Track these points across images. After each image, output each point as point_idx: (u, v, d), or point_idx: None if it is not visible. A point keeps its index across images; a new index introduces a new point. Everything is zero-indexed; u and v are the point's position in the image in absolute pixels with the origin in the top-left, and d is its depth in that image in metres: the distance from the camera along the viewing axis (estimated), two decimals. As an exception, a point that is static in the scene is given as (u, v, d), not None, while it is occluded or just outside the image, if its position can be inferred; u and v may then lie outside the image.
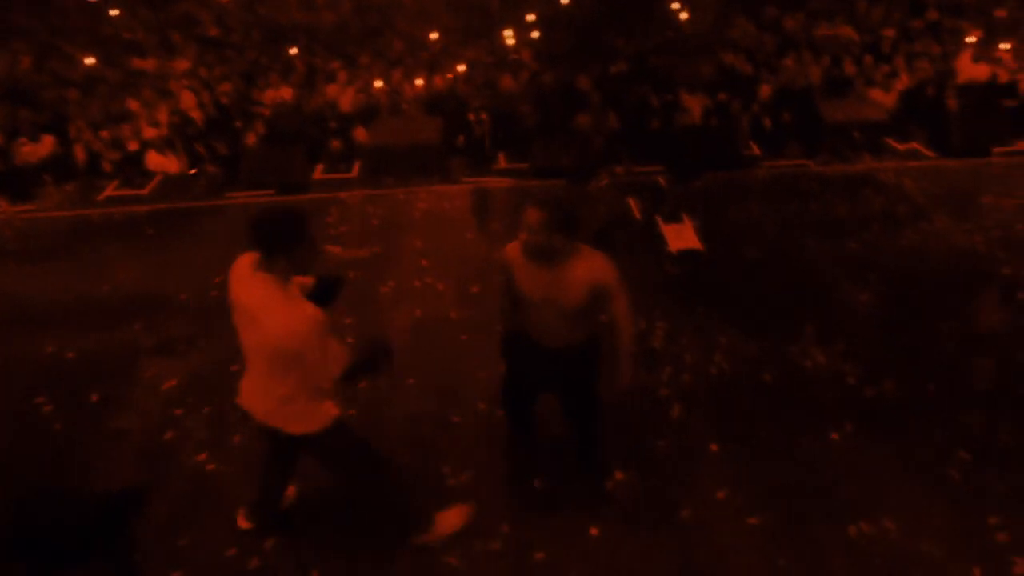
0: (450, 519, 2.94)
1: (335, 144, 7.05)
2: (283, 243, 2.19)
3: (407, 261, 4.86)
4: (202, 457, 3.40)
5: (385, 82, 7.75)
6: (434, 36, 8.77)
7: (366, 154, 6.84)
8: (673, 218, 5.04)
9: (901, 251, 4.87)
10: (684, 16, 9.66)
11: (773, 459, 3.31)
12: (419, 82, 7.70)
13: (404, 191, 5.93)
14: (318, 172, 6.76)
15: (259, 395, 2.44)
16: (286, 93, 7.98)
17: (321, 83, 8.13)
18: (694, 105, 6.83)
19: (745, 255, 4.82)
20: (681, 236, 4.85)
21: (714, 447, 3.39)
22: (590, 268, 2.55)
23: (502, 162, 6.67)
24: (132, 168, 6.82)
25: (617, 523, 3.04)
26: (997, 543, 2.91)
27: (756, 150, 6.28)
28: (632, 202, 5.33)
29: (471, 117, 6.91)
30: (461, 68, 7.76)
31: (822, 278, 4.58)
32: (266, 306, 2.18)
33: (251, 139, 7.11)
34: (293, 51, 8.72)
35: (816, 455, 3.33)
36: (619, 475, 3.23)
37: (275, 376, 2.32)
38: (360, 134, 7.00)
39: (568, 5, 9.91)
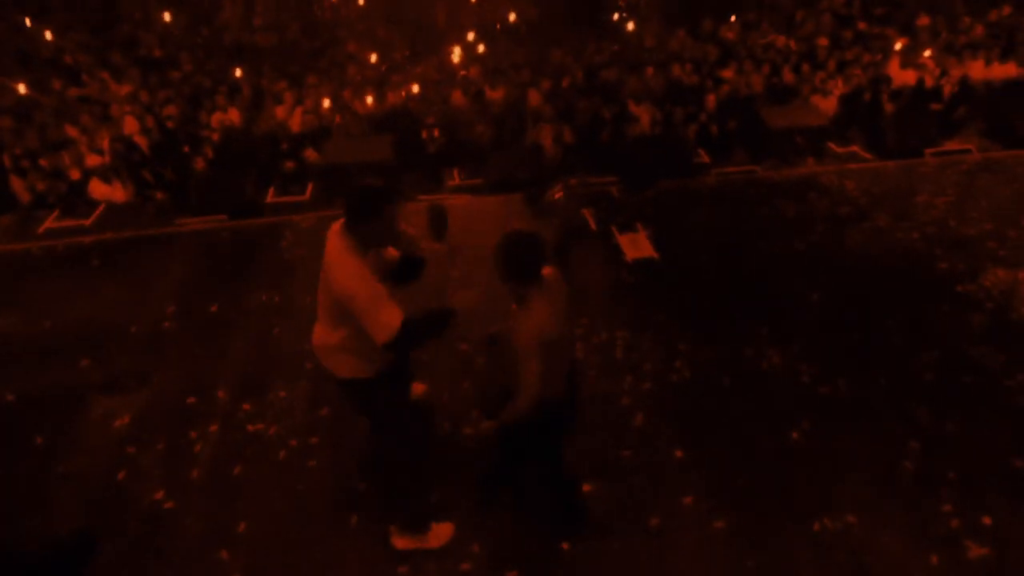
0: (441, 533, 3.00)
1: (287, 166, 6.94)
2: (363, 215, 2.46)
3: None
4: (159, 495, 3.28)
5: (334, 101, 7.69)
6: (374, 57, 8.72)
7: (318, 175, 6.75)
8: (628, 228, 5.13)
9: (846, 250, 5.06)
10: (629, 29, 9.91)
11: (736, 462, 3.38)
12: (369, 100, 7.67)
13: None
14: (270, 195, 6.64)
15: (321, 340, 2.71)
16: (234, 116, 7.83)
17: (269, 104, 8.00)
18: (643, 115, 6.99)
19: (699, 261, 4.93)
20: (636, 245, 4.93)
21: (679, 453, 3.44)
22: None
23: (456, 178, 6.67)
24: (74, 198, 6.57)
25: (588, 535, 3.05)
26: (951, 529, 3.03)
27: (705, 158, 6.45)
28: (587, 213, 5.40)
29: (423, 134, 6.91)
30: (415, 87, 7.76)
31: (773, 280, 4.72)
32: (335, 262, 2.50)
33: (199, 164, 6.93)
34: (238, 73, 8.56)
35: (777, 455, 3.42)
36: (587, 487, 3.25)
37: (332, 324, 2.63)
38: (310, 155, 6.91)
39: (514, 22, 10.06)
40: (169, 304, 4.75)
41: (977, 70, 8.25)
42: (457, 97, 7.61)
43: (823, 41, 9.32)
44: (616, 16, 10.42)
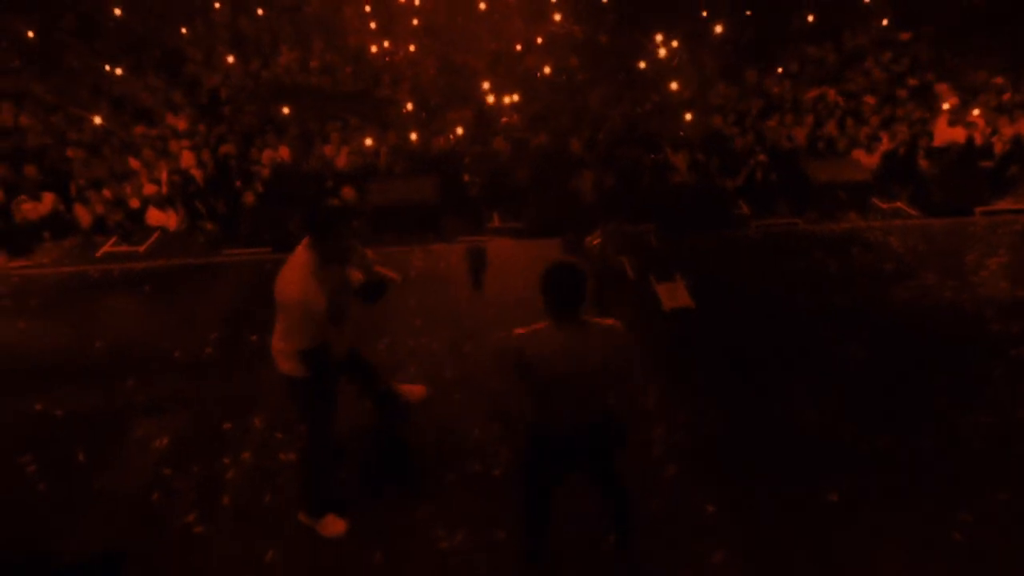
0: (332, 526, 3.23)
1: (332, 203, 7.16)
2: (319, 231, 2.84)
3: (400, 319, 4.89)
4: (190, 519, 3.33)
5: (378, 142, 7.96)
6: (409, 104, 8.96)
7: (364, 213, 6.96)
8: (665, 277, 5.12)
9: (890, 307, 4.93)
10: (670, 82, 10.06)
11: (770, 520, 3.27)
12: (413, 137, 7.90)
13: (401, 250, 6.00)
14: (296, 223, 6.81)
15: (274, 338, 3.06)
16: (284, 153, 8.18)
17: (318, 143, 8.34)
18: (681, 164, 7.04)
19: (737, 312, 4.87)
20: (673, 295, 4.90)
21: (710, 508, 3.34)
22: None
23: (496, 221, 6.79)
24: (132, 224, 6.91)
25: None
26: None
27: (745, 209, 6.43)
28: (625, 260, 5.42)
29: (465, 178, 7.08)
30: (460, 130, 8.01)
31: (813, 335, 4.61)
32: (287, 268, 2.87)
33: (250, 198, 7.23)
34: (286, 111, 8.94)
35: (813, 516, 3.29)
36: (612, 538, 3.17)
37: (279, 322, 2.99)
38: (347, 193, 7.14)
39: (552, 69, 10.32)
40: (213, 331, 4.89)
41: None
42: (499, 143, 7.81)
43: (870, 99, 9.29)
44: (651, 64, 10.59)
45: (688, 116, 8.14)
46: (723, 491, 3.42)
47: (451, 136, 8.17)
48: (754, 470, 3.56)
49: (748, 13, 13.25)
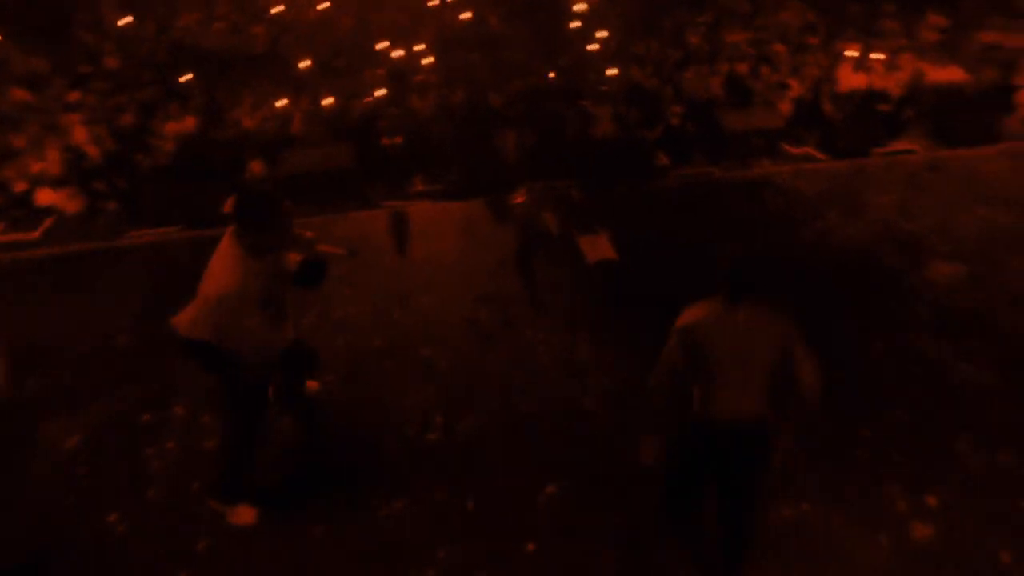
0: (243, 514, 3.15)
1: (247, 173, 6.83)
2: (253, 222, 2.64)
3: (329, 289, 4.76)
4: (112, 518, 3.20)
5: (292, 107, 7.59)
6: (305, 62, 8.53)
7: (279, 183, 6.66)
8: (588, 231, 5.18)
9: (800, 248, 5.19)
10: (591, 35, 9.99)
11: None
12: (327, 102, 7.57)
13: (321, 219, 5.80)
14: (228, 206, 6.51)
15: (191, 312, 2.82)
16: (189, 123, 7.68)
17: (226, 111, 7.87)
18: (604, 118, 7.05)
19: (659, 261, 5.01)
20: (597, 248, 4.98)
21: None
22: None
23: (419, 184, 6.65)
24: (21, 210, 6.36)
25: (553, 536, 3.08)
26: (899, 512, 3.16)
27: (665, 160, 6.55)
28: (549, 217, 5.45)
29: (384, 141, 6.87)
30: (377, 92, 7.71)
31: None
32: (218, 256, 2.71)
33: (154, 174, 6.79)
34: (187, 78, 8.34)
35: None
36: (550, 488, 3.28)
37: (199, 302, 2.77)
38: (256, 166, 6.83)
39: (469, 23, 10.04)
40: (123, 319, 4.63)
41: (926, 73, 8.56)
42: (415, 102, 7.59)
43: (780, 47, 9.55)
44: (578, 23, 10.50)
45: (610, 70, 8.13)
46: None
47: (368, 98, 7.85)
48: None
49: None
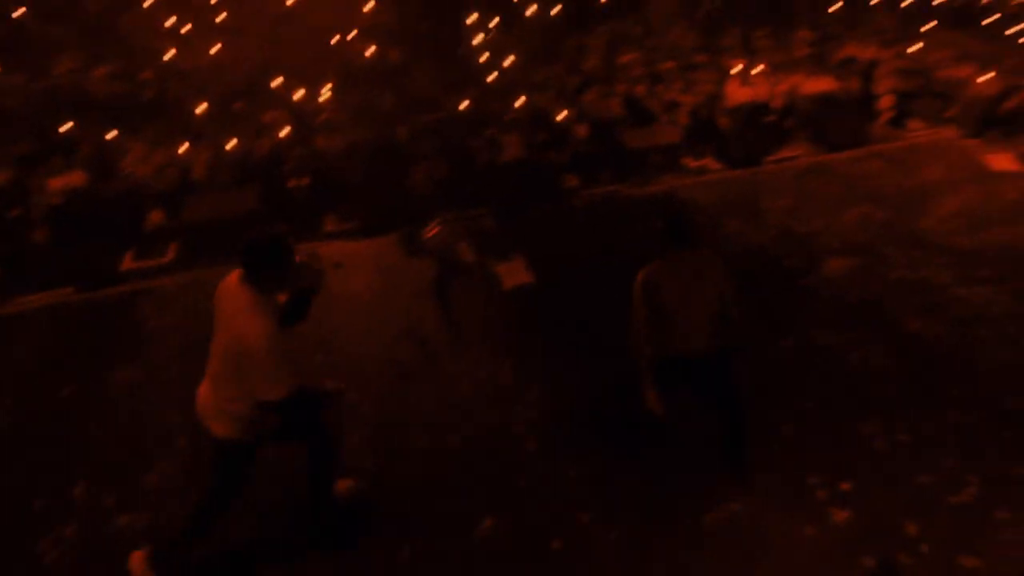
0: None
1: (144, 227, 6.49)
2: (267, 263, 2.62)
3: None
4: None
5: (191, 153, 7.31)
6: (201, 106, 8.30)
7: (181, 235, 6.37)
8: (503, 256, 5.24)
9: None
10: (494, 63, 10.21)
11: (624, 473, 3.52)
12: (229, 146, 7.34)
13: (227, 269, 5.58)
14: (127, 261, 6.16)
15: (210, 396, 2.77)
16: (77, 177, 7.23)
17: (116, 161, 7.48)
18: (511, 145, 7.19)
19: (573, 281, 5.12)
20: (512, 273, 5.04)
21: (571, 473, 3.52)
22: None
23: (329, 224, 6.53)
24: None
25: (491, 563, 3.05)
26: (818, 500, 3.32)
27: (574, 181, 6.74)
28: (464, 247, 5.47)
29: (291, 182, 6.72)
30: (282, 132, 7.54)
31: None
32: (240, 311, 2.59)
33: (40, 234, 6.33)
34: (67, 127, 7.84)
35: (660, 460, 3.59)
36: (488, 521, 3.25)
37: (227, 378, 2.68)
38: (156, 216, 6.53)
39: (371, 59, 10.06)
40: (7, 395, 4.26)
41: (801, 85, 9.29)
42: (321, 141, 7.49)
43: (670, 65, 10.13)
44: (484, 55, 10.71)
45: (516, 97, 8.31)
46: (580, 456, 3.61)
47: (270, 140, 7.67)
48: (606, 432, 3.79)
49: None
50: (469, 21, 11.54)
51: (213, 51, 10.20)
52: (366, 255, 5.65)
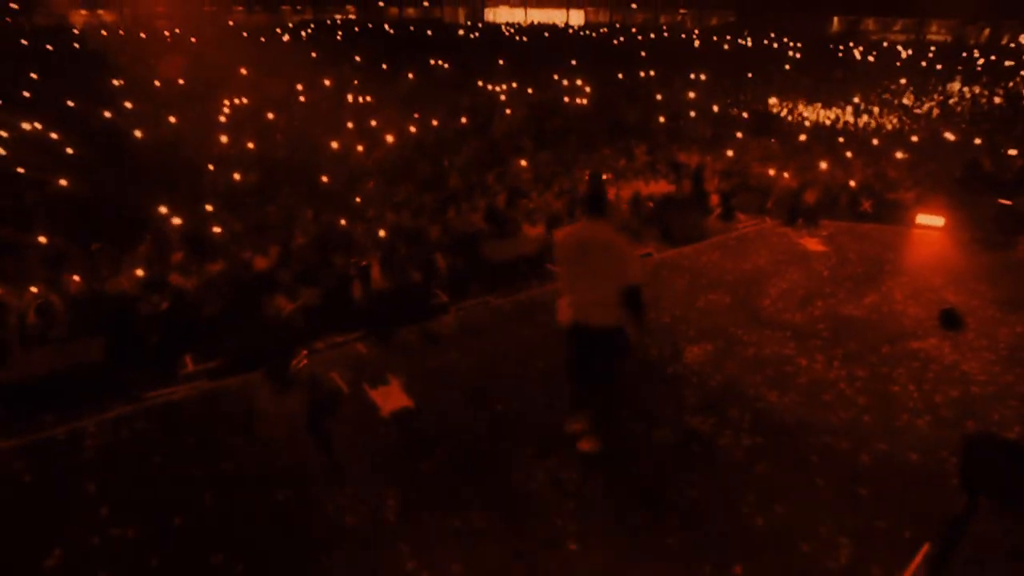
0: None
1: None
2: (604, 204, 3.98)
3: (79, 523, 3.95)
4: None
5: (18, 300, 6.60)
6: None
7: (5, 394, 5.58)
8: (379, 381, 5.10)
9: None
10: (356, 187, 10.44)
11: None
12: (73, 287, 6.73)
13: (66, 429, 4.92)
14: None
15: (598, 305, 3.95)
16: None
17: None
18: (375, 265, 7.22)
19: (451, 398, 5.05)
20: (389, 397, 4.90)
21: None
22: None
23: (189, 365, 6.05)
24: None
25: None
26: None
27: (444, 297, 6.82)
28: (336, 376, 5.27)
29: (140, 326, 6.22)
30: (139, 273, 7.06)
31: (520, 402, 5.00)
32: (612, 240, 3.91)
33: None
34: None
35: (547, 545, 3.49)
36: None
37: (610, 287, 3.88)
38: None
39: (239, 182, 9.95)
40: None
41: (643, 189, 10.36)
42: (176, 279, 7.09)
43: (525, 175, 10.94)
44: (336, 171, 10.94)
45: (380, 217, 8.48)
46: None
47: (117, 282, 7.14)
48: (504, 551, 3.64)
49: (416, 115, 14.76)
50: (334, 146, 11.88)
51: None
52: (232, 395, 5.24)
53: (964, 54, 27.77)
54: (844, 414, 4.88)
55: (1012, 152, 11.40)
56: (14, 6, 29.90)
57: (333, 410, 4.84)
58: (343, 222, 8.52)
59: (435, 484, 4.18)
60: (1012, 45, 29.83)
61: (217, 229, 8.28)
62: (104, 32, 28.48)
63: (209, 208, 9.16)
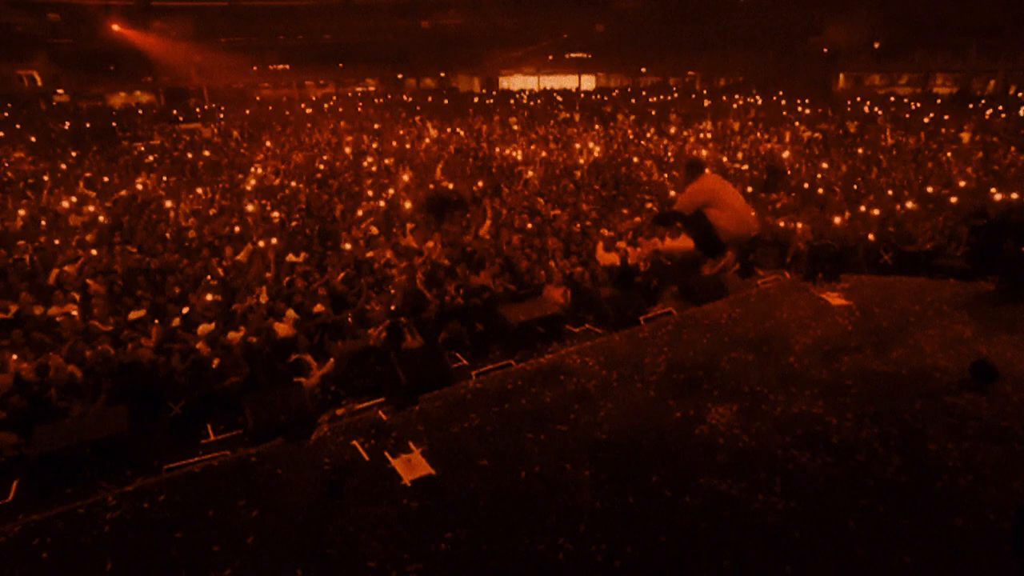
0: None
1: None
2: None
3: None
4: None
5: (36, 370, 6.65)
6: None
7: (27, 468, 5.59)
8: (401, 449, 5.05)
9: (599, 422, 5.54)
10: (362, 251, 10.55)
11: None
12: (92, 353, 6.79)
13: (84, 504, 4.90)
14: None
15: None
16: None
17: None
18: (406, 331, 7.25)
19: (475, 466, 4.97)
20: (412, 466, 4.83)
21: None
22: None
23: (211, 434, 6.06)
24: None
25: None
26: None
27: (463, 360, 6.80)
28: (357, 444, 5.23)
29: (164, 394, 6.26)
30: (148, 343, 7.16)
31: (546, 468, 4.91)
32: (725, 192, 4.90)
33: None
34: None
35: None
36: None
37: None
38: (9, 438, 5.75)
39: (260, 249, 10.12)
40: None
41: (661, 245, 10.34)
42: (202, 348, 7.17)
43: (552, 242, 10.99)
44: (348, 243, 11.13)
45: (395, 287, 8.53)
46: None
47: (140, 350, 7.24)
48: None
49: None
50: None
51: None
52: (252, 468, 5.20)
53: (971, 104, 28.09)
54: (879, 475, 4.70)
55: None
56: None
57: (354, 480, 4.78)
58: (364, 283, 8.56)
59: (458, 557, 4.06)
60: (1020, 94, 30.13)
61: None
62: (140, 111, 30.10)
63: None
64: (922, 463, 4.81)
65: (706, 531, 4.21)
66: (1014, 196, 11.86)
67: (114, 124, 26.43)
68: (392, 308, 7.47)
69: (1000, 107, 26.20)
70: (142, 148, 21.93)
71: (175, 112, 29.59)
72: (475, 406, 5.88)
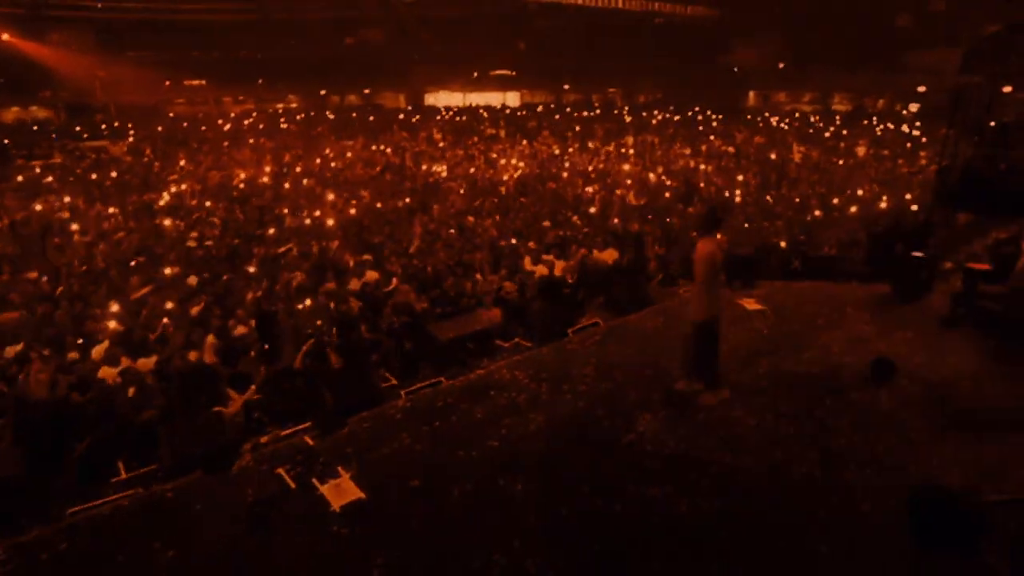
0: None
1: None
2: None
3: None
4: None
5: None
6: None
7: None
8: (329, 475, 4.89)
9: (532, 434, 5.56)
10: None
11: None
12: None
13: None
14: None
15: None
16: None
17: None
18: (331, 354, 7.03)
19: (405, 487, 4.88)
20: (341, 491, 4.69)
21: None
22: None
23: (122, 472, 5.67)
24: None
25: None
26: None
27: (393, 380, 6.69)
28: (283, 471, 5.02)
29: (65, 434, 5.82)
30: (42, 376, 6.62)
31: (475, 484, 4.88)
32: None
33: None
34: None
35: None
36: None
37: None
38: None
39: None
40: None
41: (589, 256, 10.55)
42: (105, 372, 6.72)
43: (480, 255, 11.01)
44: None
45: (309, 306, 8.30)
46: None
47: (33, 384, 6.69)
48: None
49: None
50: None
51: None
52: (166, 505, 4.90)
53: (864, 121, 30.44)
54: (797, 470, 4.95)
55: (914, 208, 12.39)
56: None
57: (280, 510, 4.59)
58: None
59: (390, 583, 3.96)
60: (905, 112, 32.98)
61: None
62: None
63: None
64: (833, 457, 5.10)
65: (637, 537, 4.29)
66: (909, 201, 12.94)
67: (7, 141, 24.58)
68: (318, 324, 7.28)
69: (889, 124, 28.54)
70: (39, 168, 20.50)
71: (78, 128, 27.82)
72: (405, 425, 5.77)
